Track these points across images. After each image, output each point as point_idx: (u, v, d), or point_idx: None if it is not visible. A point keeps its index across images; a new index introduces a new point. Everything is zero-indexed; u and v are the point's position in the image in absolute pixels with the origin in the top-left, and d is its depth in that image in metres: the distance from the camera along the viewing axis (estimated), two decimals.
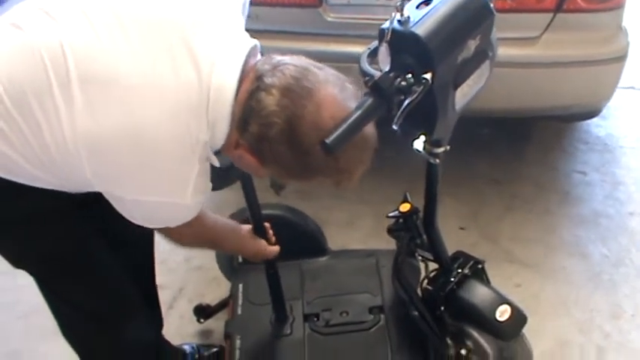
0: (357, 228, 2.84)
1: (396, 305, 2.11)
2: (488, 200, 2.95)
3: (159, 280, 2.65)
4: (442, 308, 1.88)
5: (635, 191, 2.97)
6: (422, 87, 1.28)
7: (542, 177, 3.06)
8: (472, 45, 1.39)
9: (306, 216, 2.40)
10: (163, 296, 2.58)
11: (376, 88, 1.28)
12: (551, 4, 2.45)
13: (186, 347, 2.34)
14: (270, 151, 1.33)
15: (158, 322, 2.20)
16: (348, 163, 1.36)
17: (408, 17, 1.32)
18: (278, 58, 1.37)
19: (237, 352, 2.02)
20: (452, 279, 1.88)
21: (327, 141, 1.23)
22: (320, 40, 2.62)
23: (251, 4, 2.71)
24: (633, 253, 2.63)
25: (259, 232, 1.93)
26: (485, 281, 1.95)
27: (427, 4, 1.36)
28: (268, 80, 1.30)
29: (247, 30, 2.82)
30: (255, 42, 1.43)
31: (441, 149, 1.64)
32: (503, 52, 2.46)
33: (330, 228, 2.76)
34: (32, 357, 2.43)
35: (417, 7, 1.36)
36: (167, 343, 2.25)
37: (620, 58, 2.55)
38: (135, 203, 1.42)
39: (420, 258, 2.06)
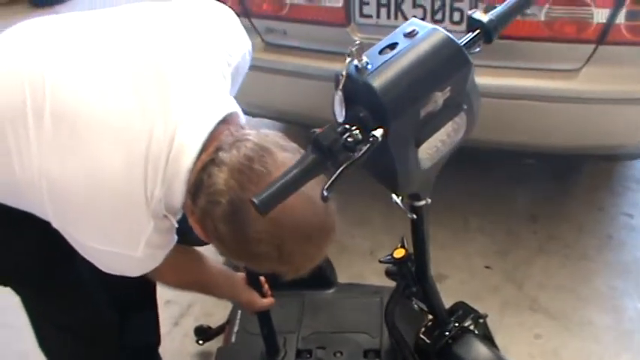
0: (377, 258, 2.70)
1: (394, 351, 1.96)
2: (522, 239, 2.76)
3: (169, 295, 2.64)
4: None
5: None
6: (368, 145, 1.12)
7: (585, 218, 2.84)
8: (440, 98, 1.21)
9: None
10: (170, 312, 2.60)
11: (317, 144, 1.12)
12: (594, 34, 2.26)
13: None
14: (213, 228, 1.28)
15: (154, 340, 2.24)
16: (292, 256, 1.30)
17: (367, 63, 1.17)
18: (246, 131, 1.31)
19: None
20: (447, 332, 1.75)
21: (256, 199, 1.09)
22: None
23: (277, 19, 2.66)
24: None
25: (253, 283, 1.88)
26: (485, 338, 1.80)
27: (392, 49, 1.21)
28: (223, 155, 1.26)
29: (275, 45, 2.77)
30: (236, 109, 1.39)
31: (421, 203, 1.48)
32: (539, 84, 2.36)
33: (350, 256, 2.67)
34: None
35: (380, 52, 1.21)
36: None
37: None
38: (92, 250, 1.41)
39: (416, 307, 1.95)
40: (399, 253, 1.84)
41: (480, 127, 2.43)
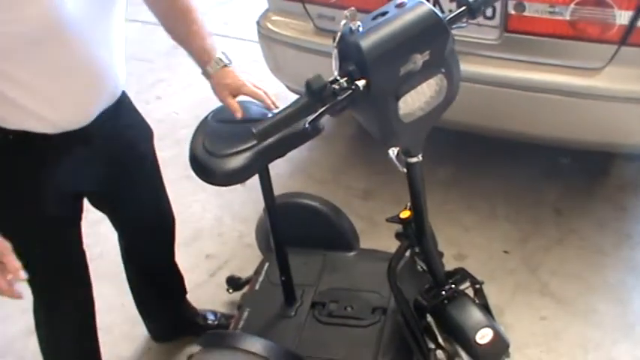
0: None
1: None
2: (543, 230, 2.86)
3: (210, 249, 2.90)
4: (428, 319, 1.91)
5: None
6: (350, 92, 1.34)
7: (606, 215, 2.92)
8: (419, 59, 1.40)
9: (341, 212, 2.50)
10: (209, 265, 2.85)
11: (308, 88, 1.34)
12: (616, 35, 2.35)
13: (209, 314, 2.57)
14: None
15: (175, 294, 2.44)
16: None
17: (359, 26, 1.38)
18: None
19: (242, 323, 2.21)
20: (443, 292, 1.90)
21: (255, 130, 1.31)
22: None
23: (328, 5, 2.83)
24: None
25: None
26: (478, 303, 1.94)
27: (383, 16, 1.41)
28: None
29: (325, 30, 2.90)
30: None
31: (413, 160, 1.65)
32: (563, 80, 2.47)
33: (380, 230, 2.80)
34: None
35: (373, 18, 1.42)
36: (190, 307, 2.52)
37: None
38: None
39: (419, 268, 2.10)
40: (405, 214, 2.01)
41: (505, 117, 2.60)
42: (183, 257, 2.77)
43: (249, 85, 1.85)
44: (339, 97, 1.34)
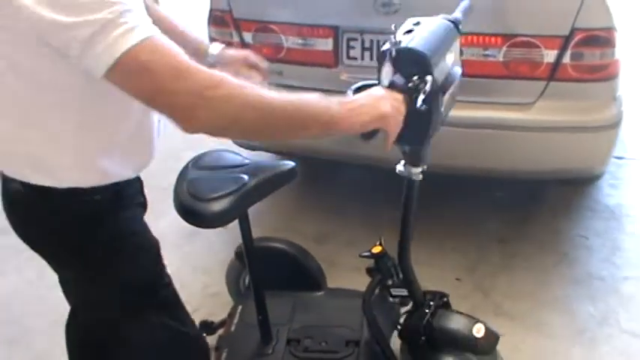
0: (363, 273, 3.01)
1: (371, 342, 2.26)
2: (490, 256, 3.09)
3: None
4: (423, 338, 2.07)
5: (634, 257, 3.06)
6: (428, 82, 1.54)
7: (545, 238, 3.19)
8: (449, 59, 1.70)
9: (307, 254, 2.62)
10: None
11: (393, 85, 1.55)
12: (544, 72, 2.63)
13: None
14: None
15: None
16: None
17: (400, 41, 1.60)
18: None
19: None
20: (427, 310, 2.09)
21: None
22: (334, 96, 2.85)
23: (276, 61, 3.01)
24: (620, 314, 2.71)
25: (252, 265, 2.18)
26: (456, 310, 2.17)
27: (411, 32, 1.67)
28: None
29: (272, 84, 3.11)
30: None
31: (419, 169, 1.87)
32: (500, 115, 2.71)
33: (339, 270, 2.96)
34: None
35: (404, 33, 1.67)
36: None
37: (612, 126, 2.70)
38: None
39: (395, 299, 2.28)
40: (377, 249, 2.20)
41: (450, 154, 2.83)
42: None
43: (252, 56, 1.91)
44: (425, 86, 1.53)
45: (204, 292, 3.00)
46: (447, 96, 1.69)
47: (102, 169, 1.54)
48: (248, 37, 3.06)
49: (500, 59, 2.65)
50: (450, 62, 1.73)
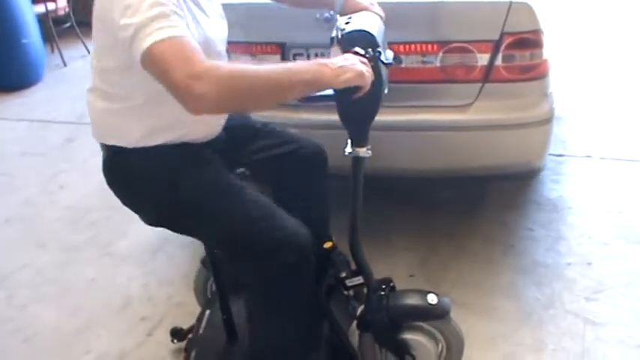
0: None
1: (331, 336, 2.39)
2: (439, 251, 3.26)
3: (143, 312, 3.05)
4: (386, 320, 2.23)
5: (576, 245, 3.25)
6: (378, 54, 1.83)
7: (492, 232, 3.37)
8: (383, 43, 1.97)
9: None
10: (145, 326, 2.97)
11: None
12: (479, 75, 2.80)
13: None
14: None
15: None
16: None
17: (344, 28, 1.89)
18: None
19: None
20: (382, 293, 2.27)
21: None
22: (311, 110, 2.91)
23: None
24: (564, 297, 2.89)
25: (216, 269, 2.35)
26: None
27: (349, 23, 1.94)
28: None
29: None
30: None
31: (364, 148, 2.06)
32: (441, 117, 2.88)
33: None
34: None
35: (346, 23, 1.94)
36: None
37: (545, 122, 2.88)
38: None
39: (349, 292, 2.43)
40: (328, 244, 2.37)
41: (393, 156, 2.98)
42: (119, 323, 2.99)
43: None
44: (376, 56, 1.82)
45: (170, 301, 3.12)
46: (384, 76, 1.93)
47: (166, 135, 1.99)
48: None
49: (438, 64, 2.82)
50: (384, 46, 1.98)
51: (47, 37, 6.94)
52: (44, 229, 3.87)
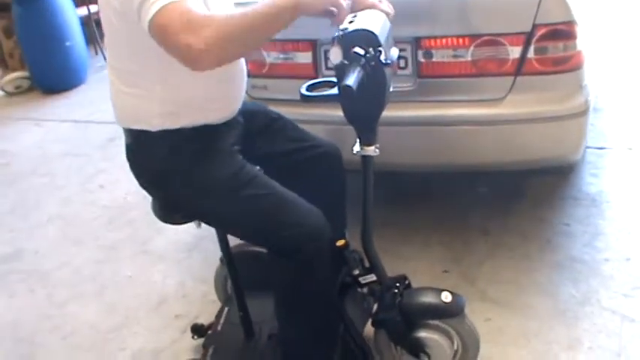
0: None
1: (345, 334, 2.38)
2: (474, 248, 3.23)
3: (178, 310, 3.10)
4: (399, 318, 2.22)
5: (614, 240, 3.18)
6: (378, 53, 1.83)
7: (528, 228, 3.32)
8: (387, 42, 1.96)
9: None
10: (179, 323, 3.01)
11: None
12: (511, 68, 2.75)
13: None
14: None
15: None
16: None
17: (347, 27, 1.86)
18: None
19: (208, 359, 2.43)
20: (396, 291, 2.26)
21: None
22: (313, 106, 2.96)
23: (259, 76, 3.15)
24: (601, 294, 2.83)
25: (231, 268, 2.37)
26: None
27: (353, 21, 1.90)
28: None
29: (259, 98, 3.24)
30: None
31: (373, 147, 2.06)
32: (473, 112, 2.85)
33: None
34: None
35: (350, 21, 1.90)
36: None
37: (580, 114, 2.81)
38: None
39: (364, 289, 2.42)
40: (341, 242, 2.37)
41: (426, 152, 2.95)
42: (154, 320, 3.03)
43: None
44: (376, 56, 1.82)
45: (205, 299, 3.14)
46: (387, 75, 1.91)
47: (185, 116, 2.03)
48: None
49: (469, 59, 2.77)
50: (388, 44, 1.96)
51: (90, 40, 7.10)
52: (83, 227, 3.95)
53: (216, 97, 2.08)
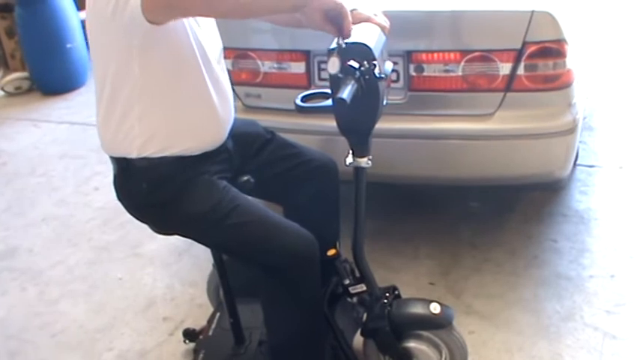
0: None
1: (334, 342, 2.41)
2: (462, 261, 3.25)
3: (166, 313, 3.11)
4: (387, 328, 2.25)
5: (600, 257, 3.21)
6: (372, 67, 1.88)
7: (516, 243, 3.35)
8: (382, 55, 2.00)
9: None
10: (167, 326, 3.03)
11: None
12: (501, 84, 2.78)
13: None
14: None
15: None
16: None
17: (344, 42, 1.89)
18: None
19: None
20: (385, 301, 2.28)
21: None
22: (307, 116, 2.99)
23: (254, 85, 3.18)
24: (585, 311, 2.86)
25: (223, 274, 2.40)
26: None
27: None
28: None
29: (252, 107, 3.25)
30: None
31: (366, 159, 2.09)
32: (463, 126, 2.88)
33: None
34: None
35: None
36: None
37: (568, 132, 2.84)
38: None
39: (354, 299, 2.43)
40: (332, 251, 2.39)
41: (414, 165, 2.98)
42: (142, 322, 3.05)
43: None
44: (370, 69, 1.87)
45: (192, 303, 3.17)
46: (381, 88, 1.94)
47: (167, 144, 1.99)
48: (228, 64, 3.23)
49: (460, 73, 2.81)
50: (383, 58, 2.01)
51: None
52: (77, 228, 3.98)
53: (197, 126, 2.04)
